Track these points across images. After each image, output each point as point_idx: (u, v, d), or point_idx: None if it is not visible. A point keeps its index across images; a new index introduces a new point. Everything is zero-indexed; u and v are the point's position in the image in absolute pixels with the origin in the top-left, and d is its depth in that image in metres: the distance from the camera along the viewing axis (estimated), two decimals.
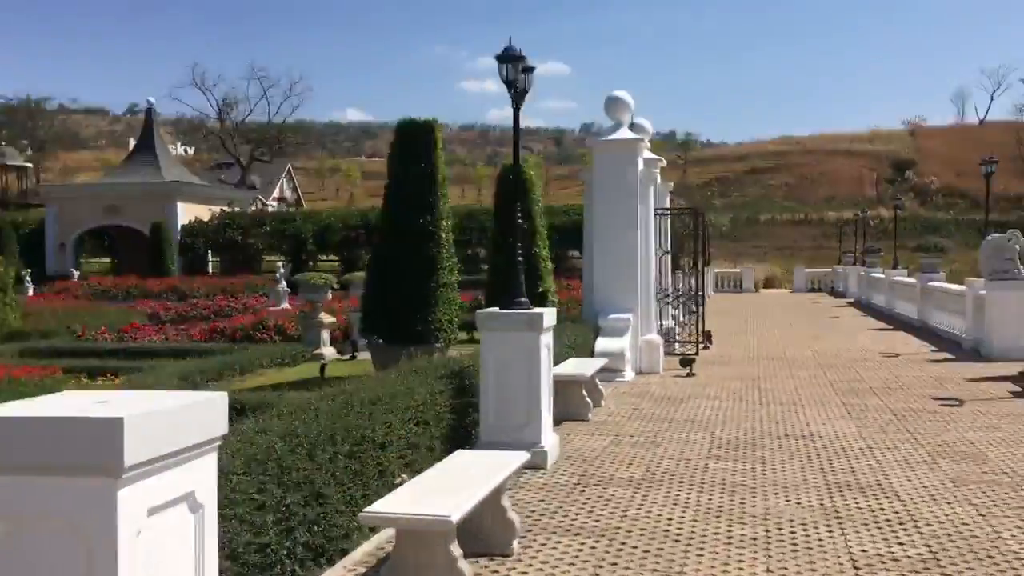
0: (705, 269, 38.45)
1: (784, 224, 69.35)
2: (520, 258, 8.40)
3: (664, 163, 17.42)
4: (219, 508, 4.63)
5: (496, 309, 8.33)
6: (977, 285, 17.18)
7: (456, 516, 4.61)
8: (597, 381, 11.40)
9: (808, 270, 46.96)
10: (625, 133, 14.63)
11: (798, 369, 14.76)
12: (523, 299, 8.24)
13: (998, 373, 13.86)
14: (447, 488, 5.19)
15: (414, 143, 13.03)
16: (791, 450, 8.71)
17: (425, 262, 12.96)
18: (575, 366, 10.95)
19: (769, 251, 61.62)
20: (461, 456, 6.09)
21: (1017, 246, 16.08)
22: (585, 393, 10.57)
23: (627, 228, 14.23)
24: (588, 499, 7.04)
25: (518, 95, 8.30)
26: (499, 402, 8.10)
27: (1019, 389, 12.38)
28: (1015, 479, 7.48)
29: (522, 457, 5.96)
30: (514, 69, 8.16)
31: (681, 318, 18.66)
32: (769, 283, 48.84)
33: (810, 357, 16.48)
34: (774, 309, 30.72)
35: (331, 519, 5.60)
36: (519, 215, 8.56)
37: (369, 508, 4.84)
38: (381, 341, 13.49)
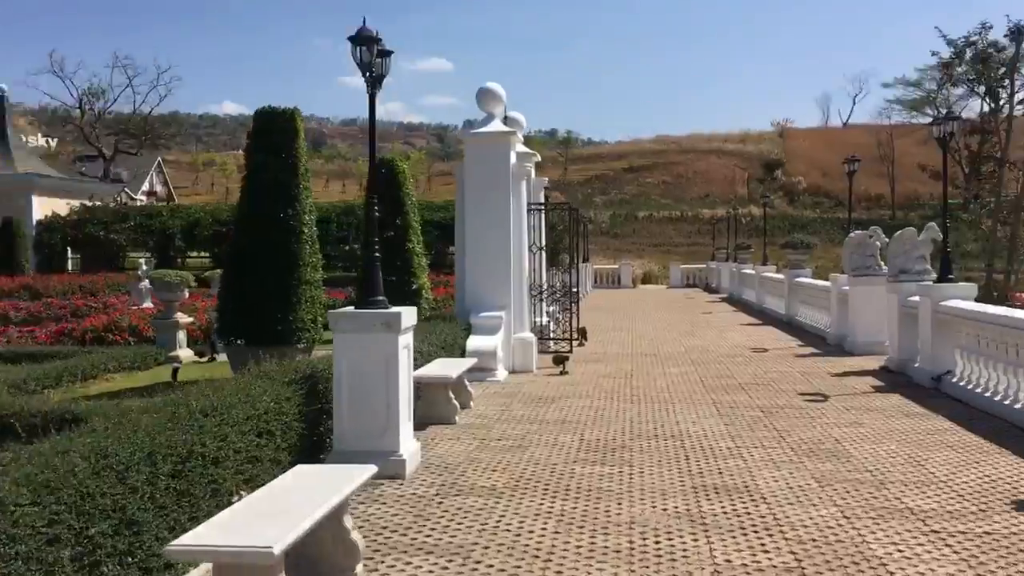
0: (583, 265, 38.68)
1: (661, 221, 70.77)
2: (377, 254, 7.86)
3: (538, 157, 17.15)
4: None
5: (350, 309, 7.77)
6: (841, 281, 17.60)
7: (280, 546, 4.06)
8: (466, 382, 10.97)
9: (684, 266, 47.98)
10: (497, 126, 14.26)
11: (670, 366, 14.72)
12: (380, 298, 7.71)
13: (861, 367, 14.16)
14: (276, 511, 4.63)
15: (274, 132, 12.30)
16: (660, 451, 8.49)
17: (286, 257, 12.25)
18: (442, 367, 10.49)
19: (647, 248, 62.71)
20: (300, 472, 5.52)
21: (878, 243, 16.51)
22: (452, 395, 10.11)
23: (499, 223, 13.87)
24: (446, 512, 6.58)
25: (374, 80, 7.75)
26: (354, 409, 7.55)
27: (881, 384, 12.63)
28: (877, 477, 7.43)
29: (367, 471, 5.44)
30: (369, 52, 7.60)
31: (558, 315, 18.45)
32: (647, 279, 49.68)
33: (682, 353, 16.52)
34: (650, 305, 31.06)
35: (149, 548, 4.95)
36: (375, 207, 8.01)
37: (178, 540, 4.23)
38: (242, 342, 12.71)
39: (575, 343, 16.78)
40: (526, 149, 15.86)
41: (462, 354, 12.75)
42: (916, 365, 12.84)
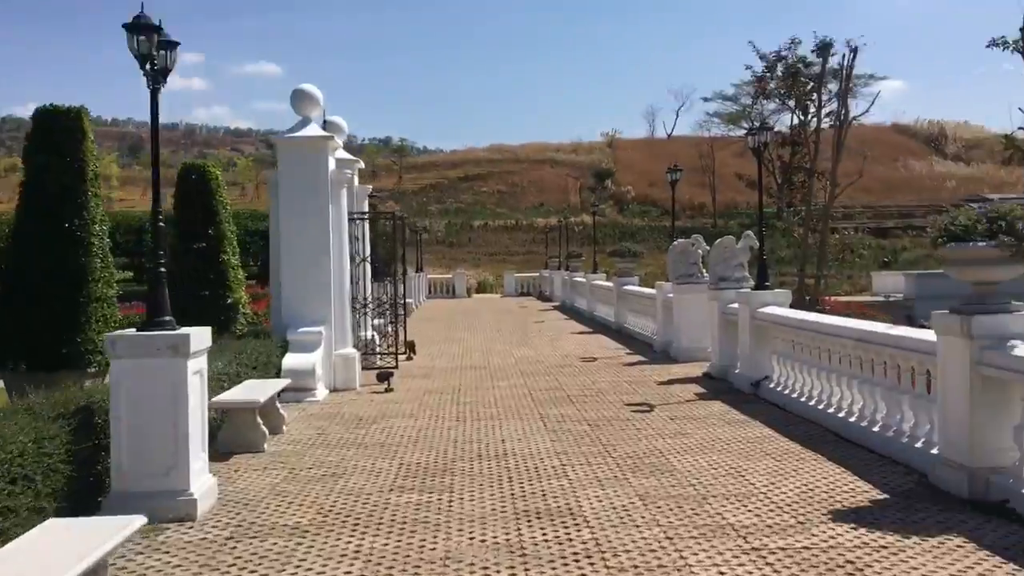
0: (417, 275, 37.97)
1: (496, 230, 71.13)
2: (163, 269, 7.01)
3: (361, 164, 16.48)
4: None
5: (129, 331, 6.89)
6: (666, 289, 17.83)
7: None
8: (278, 404, 10.18)
9: (518, 275, 48.27)
10: (314, 130, 13.51)
11: (500, 379, 14.38)
12: (166, 318, 6.87)
13: (686, 375, 14.29)
14: None
15: (56, 132, 11.07)
16: (483, 474, 8.05)
17: (73, 273, 11.05)
18: (248, 390, 9.65)
19: (482, 257, 62.83)
20: (50, 528, 4.68)
21: (700, 251, 16.81)
22: (260, 420, 9.30)
23: (317, 232, 13.12)
24: (239, 558, 5.85)
25: (156, 73, 6.91)
26: (135, 444, 6.68)
27: (704, 391, 12.74)
28: (700, 492, 7.26)
29: (131, 525, 4.67)
30: (148, 42, 6.76)
31: (385, 328, 17.78)
32: (481, 288, 49.68)
33: (513, 365, 16.24)
34: (483, 314, 30.85)
35: None
36: (159, 218, 7.16)
37: None
38: (23, 367, 11.37)
39: (403, 357, 16.20)
40: (347, 155, 15.16)
41: (278, 373, 11.92)
42: (737, 371, 13.05)
